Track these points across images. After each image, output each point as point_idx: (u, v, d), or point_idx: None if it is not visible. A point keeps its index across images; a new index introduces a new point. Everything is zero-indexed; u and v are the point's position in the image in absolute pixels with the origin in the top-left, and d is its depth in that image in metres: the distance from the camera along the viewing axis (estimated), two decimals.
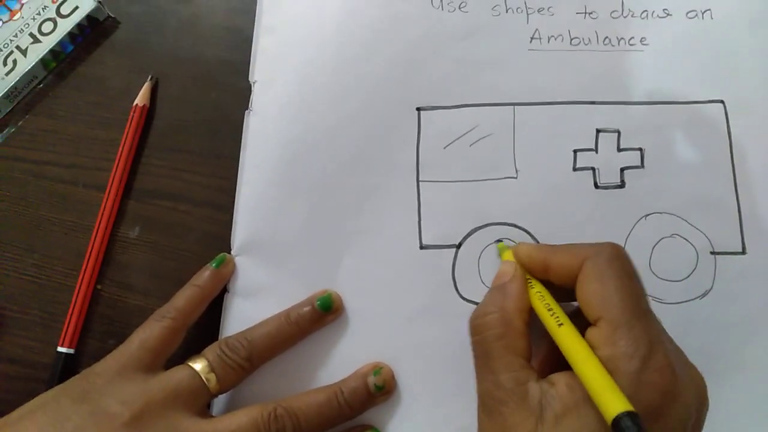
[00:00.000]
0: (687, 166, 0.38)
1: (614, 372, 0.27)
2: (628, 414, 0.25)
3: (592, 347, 0.28)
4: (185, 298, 0.36)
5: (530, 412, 0.28)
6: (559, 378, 0.29)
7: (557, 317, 0.30)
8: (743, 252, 0.37)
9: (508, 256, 0.35)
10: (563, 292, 0.32)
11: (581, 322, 0.30)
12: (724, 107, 0.39)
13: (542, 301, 0.31)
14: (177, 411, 0.32)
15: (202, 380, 0.33)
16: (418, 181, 0.39)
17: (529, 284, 0.33)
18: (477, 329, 0.32)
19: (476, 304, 0.37)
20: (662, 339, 0.28)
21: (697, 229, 0.37)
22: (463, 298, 0.37)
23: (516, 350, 0.30)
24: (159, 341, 0.34)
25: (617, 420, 0.25)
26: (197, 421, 0.32)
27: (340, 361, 0.37)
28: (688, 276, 0.37)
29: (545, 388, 0.29)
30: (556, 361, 0.30)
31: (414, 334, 0.37)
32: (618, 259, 0.30)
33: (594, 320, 0.29)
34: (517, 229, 0.38)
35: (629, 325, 0.28)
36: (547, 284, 0.33)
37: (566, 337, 0.29)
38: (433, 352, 0.37)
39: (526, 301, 0.32)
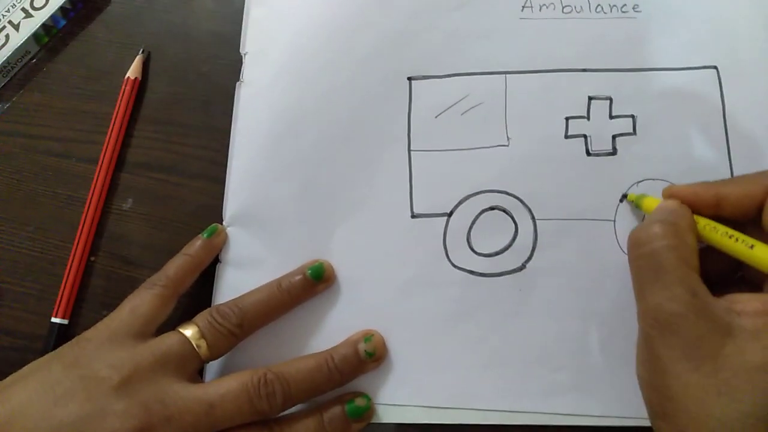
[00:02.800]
0: (680, 133, 0.38)
1: None
2: None
3: None
4: (176, 267, 0.36)
5: (715, 325, 0.27)
6: (741, 297, 0.28)
7: (744, 241, 0.29)
8: None
9: (652, 201, 0.34)
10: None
11: None
12: (718, 73, 0.38)
13: (716, 231, 0.30)
14: (166, 376, 0.32)
15: (193, 346, 0.33)
16: (409, 150, 0.39)
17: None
18: (643, 240, 0.30)
19: (467, 271, 0.37)
20: None
21: None
22: (455, 266, 0.37)
23: (690, 264, 0.29)
24: (149, 308, 0.34)
25: None
26: (186, 386, 0.32)
27: (332, 330, 0.37)
28: None
29: (726, 304, 0.28)
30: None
31: (406, 303, 0.37)
32: None
33: None
34: (509, 197, 0.37)
35: None
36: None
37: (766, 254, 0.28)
38: (425, 320, 0.37)
39: (695, 226, 0.31)
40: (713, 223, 0.31)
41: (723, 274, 0.32)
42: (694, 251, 0.30)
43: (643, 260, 0.30)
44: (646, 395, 0.30)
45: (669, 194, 0.33)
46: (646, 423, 0.34)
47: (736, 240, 0.30)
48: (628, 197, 0.37)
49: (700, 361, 0.27)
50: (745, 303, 0.28)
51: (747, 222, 0.31)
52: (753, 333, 0.27)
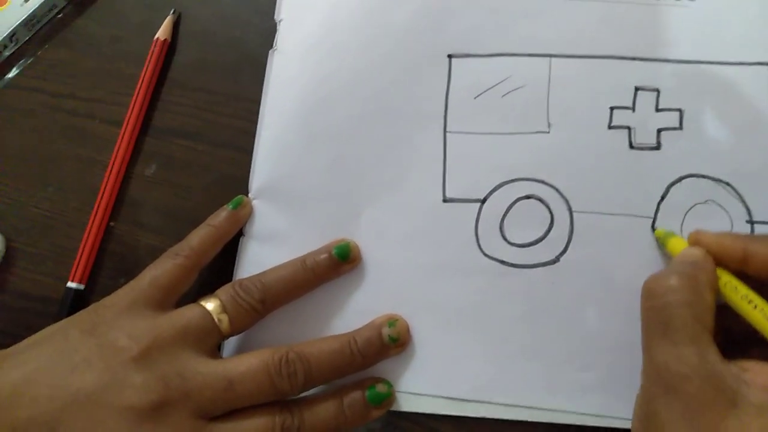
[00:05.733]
0: (727, 131, 0.36)
1: None
2: None
3: None
4: (200, 238, 0.35)
5: (720, 392, 0.26)
6: (755, 366, 0.27)
7: (762, 310, 0.28)
8: None
9: (678, 243, 0.32)
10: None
11: None
12: None
13: (736, 292, 0.29)
14: (186, 349, 0.31)
15: (214, 320, 0.32)
16: (445, 131, 0.37)
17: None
18: (657, 292, 0.29)
19: (498, 261, 0.36)
20: None
21: (734, 196, 0.36)
22: (486, 255, 0.36)
23: (704, 323, 0.27)
24: (171, 279, 0.33)
25: None
26: (206, 361, 0.31)
27: (355, 312, 0.36)
28: None
29: (736, 371, 0.26)
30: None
31: (433, 289, 0.36)
32: None
33: None
34: (546, 186, 0.36)
35: None
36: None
37: None
38: (452, 308, 0.35)
39: (716, 283, 0.29)
40: (735, 282, 0.29)
41: (747, 332, 0.29)
42: (709, 309, 0.28)
43: (653, 313, 0.29)
44: None
45: (695, 240, 0.31)
46: None
47: (755, 306, 0.28)
48: (655, 232, 0.35)
49: (698, 429, 0.26)
50: (756, 373, 0.26)
51: None
52: (758, 408, 0.25)
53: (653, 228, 0.35)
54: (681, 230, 0.35)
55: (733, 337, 0.29)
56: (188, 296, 0.34)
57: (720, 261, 0.30)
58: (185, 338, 0.31)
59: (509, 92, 0.37)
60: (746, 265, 0.30)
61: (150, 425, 0.29)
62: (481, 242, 0.36)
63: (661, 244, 0.34)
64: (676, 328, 0.27)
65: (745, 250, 0.29)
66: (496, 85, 0.37)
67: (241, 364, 0.31)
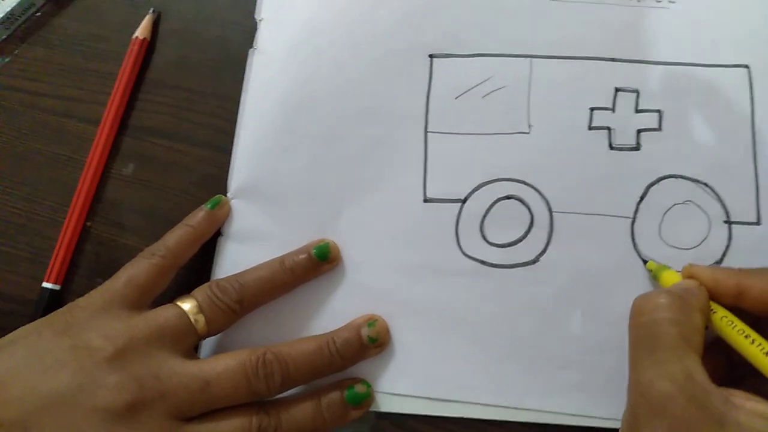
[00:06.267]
0: (706, 132, 0.36)
1: None
2: None
3: None
4: (177, 238, 0.34)
5: (706, 413, 0.25)
6: (744, 395, 0.26)
7: (761, 345, 0.27)
8: (758, 223, 0.35)
9: (671, 277, 0.32)
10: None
11: None
12: (749, 73, 0.37)
13: (732, 327, 0.28)
14: (162, 350, 0.31)
15: (190, 320, 0.32)
16: (426, 131, 0.37)
17: (711, 311, 0.30)
18: (645, 309, 0.28)
19: (479, 261, 0.36)
20: None
21: (712, 197, 0.36)
22: (466, 255, 0.36)
23: (691, 343, 0.27)
24: (147, 279, 0.33)
25: None
26: (182, 362, 0.31)
27: (335, 313, 0.35)
28: (699, 244, 0.35)
29: (725, 393, 0.26)
30: None
31: (412, 289, 0.36)
32: None
33: None
34: (526, 186, 0.36)
35: None
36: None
37: None
38: (432, 309, 0.35)
39: (708, 312, 0.29)
40: (731, 317, 0.29)
41: (745, 367, 0.28)
42: (698, 330, 0.28)
43: (641, 330, 0.28)
44: None
45: (689, 274, 0.31)
46: None
47: (752, 341, 0.28)
48: (647, 265, 0.35)
49: None
50: (745, 398, 0.26)
51: None
52: (748, 431, 0.24)
53: (632, 227, 0.35)
54: (659, 230, 0.35)
55: (736, 372, 0.29)
56: (165, 296, 0.34)
57: (714, 295, 0.30)
58: (161, 339, 0.31)
59: (490, 93, 0.37)
60: (740, 300, 0.29)
61: (124, 426, 0.28)
62: (461, 242, 0.36)
63: (653, 277, 0.34)
64: (663, 346, 0.27)
65: (739, 285, 0.29)
66: (477, 85, 0.37)
67: (217, 364, 0.31)
